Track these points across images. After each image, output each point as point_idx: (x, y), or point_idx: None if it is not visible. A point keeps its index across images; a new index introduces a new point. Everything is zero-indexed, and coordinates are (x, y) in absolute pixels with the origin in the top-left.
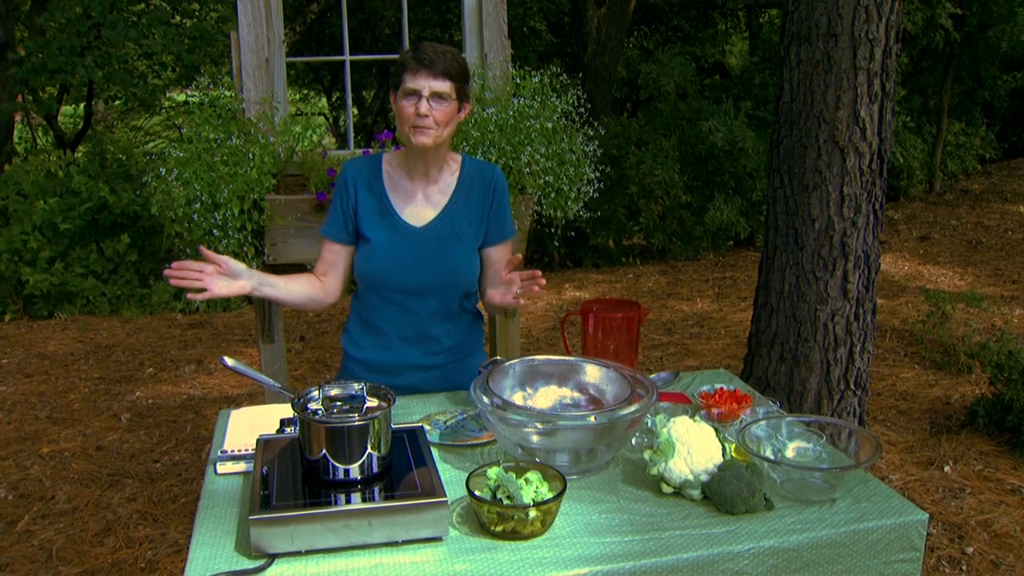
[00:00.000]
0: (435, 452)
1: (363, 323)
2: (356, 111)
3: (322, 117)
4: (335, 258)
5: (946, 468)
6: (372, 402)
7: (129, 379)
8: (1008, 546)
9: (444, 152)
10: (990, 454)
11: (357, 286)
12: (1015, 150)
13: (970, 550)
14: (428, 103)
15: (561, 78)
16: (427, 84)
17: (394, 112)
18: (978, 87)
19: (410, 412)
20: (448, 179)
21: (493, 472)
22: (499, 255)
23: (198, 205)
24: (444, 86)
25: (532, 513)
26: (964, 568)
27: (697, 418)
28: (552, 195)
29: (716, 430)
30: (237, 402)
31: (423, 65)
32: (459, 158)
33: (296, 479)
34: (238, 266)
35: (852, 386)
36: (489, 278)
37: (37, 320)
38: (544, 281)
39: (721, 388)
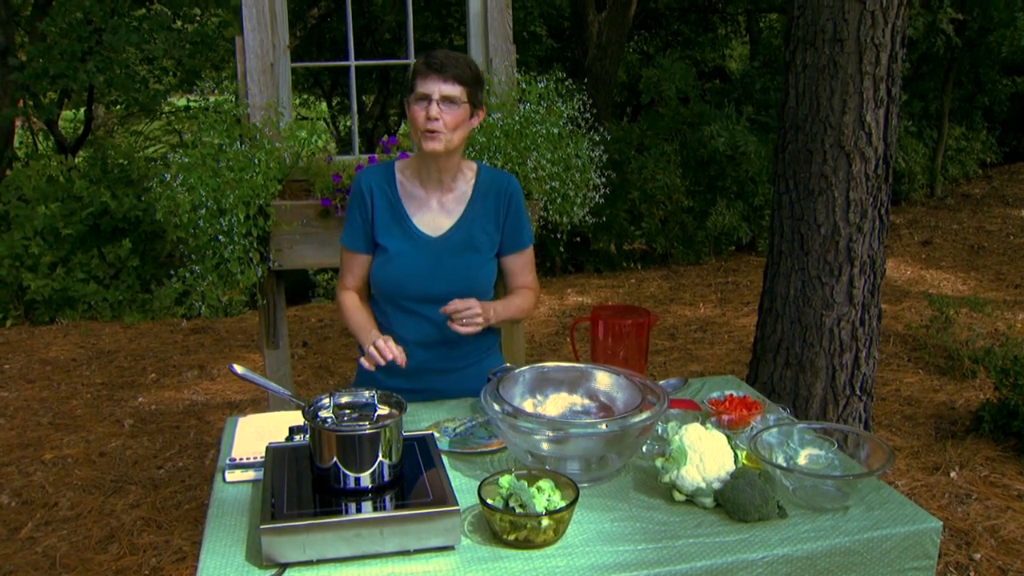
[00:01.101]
0: (445, 460)
1: (381, 330)
2: (358, 116)
3: (323, 122)
4: (363, 271)
5: (952, 474)
6: (383, 410)
7: (131, 385)
8: (1016, 552)
9: (457, 159)
10: (996, 459)
11: (373, 294)
12: (1016, 154)
13: (978, 556)
14: (438, 106)
15: (567, 83)
16: (437, 88)
17: (408, 119)
18: (979, 91)
19: (419, 419)
20: (463, 187)
21: (505, 480)
22: (516, 264)
23: (203, 211)
24: (454, 90)
25: (545, 522)
26: (972, 574)
27: (708, 425)
28: (558, 200)
29: (728, 437)
30: (240, 408)
31: (433, 69)
32: (474, 166)
33: (306, 487)
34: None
35: (858, 392)
36: (508, 285)
37: (39, 325)
38: (476, 323)
39: (731, 395)
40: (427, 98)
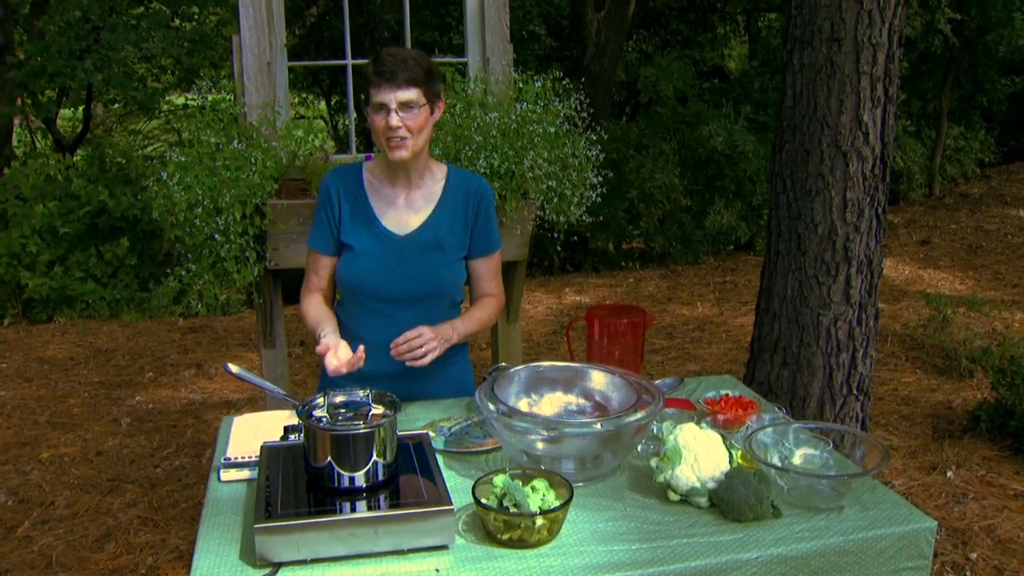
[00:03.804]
0: (440, 459)
1: (344, 331)
2: (355, 115)
3: (320, 121)
4: (328, 272)
5: (949, 473)
6: (377, 409)
7: (129, 383)
8: (1012, 552)
9: (425, 157)
10: (993, 459)
11: (339, 295)
12: (1014, 154)
13: (974, 556)
14: (397, 115)
15: (564, 82)
16: (392, 96)
17: (369, 126)
18: (977, 91)
19: (414, 419)
20: (432, 187)
21: (499, 480)
22: (483, 268)
23: (200, 210)
24: (410, 94)
25: (539, 521)
26: (968, 574)
27: (703, 425)
28: (555, 200)
29: (722, 437)
30: (237, 407)
31: (384, 78)
32: (444, 167)
33: (301, 487)
34: (336, 341)
35: (855, 391)
36: (473, 290)
37: (36, 324)
38: (431, 351)
39: (727, 394)
40: (384, 107)
